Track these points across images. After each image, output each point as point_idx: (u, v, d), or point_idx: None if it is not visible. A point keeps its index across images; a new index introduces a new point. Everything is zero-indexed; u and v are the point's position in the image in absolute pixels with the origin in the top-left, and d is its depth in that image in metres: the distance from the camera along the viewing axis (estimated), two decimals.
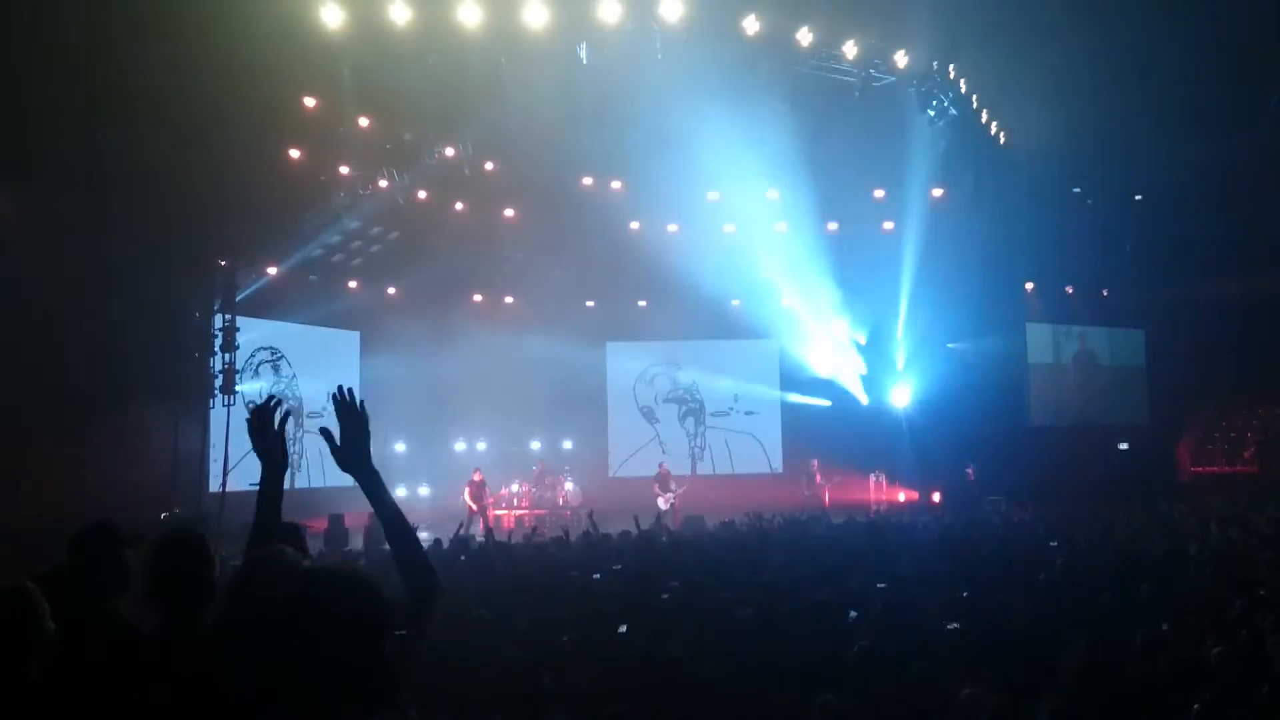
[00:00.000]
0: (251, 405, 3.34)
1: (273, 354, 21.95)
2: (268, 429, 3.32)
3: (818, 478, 23.16)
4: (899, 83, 18.81)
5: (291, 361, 22.31)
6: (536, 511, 21.77)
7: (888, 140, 20.40)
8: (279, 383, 21.88)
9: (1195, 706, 4.79)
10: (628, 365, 27.07)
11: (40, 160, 14.81)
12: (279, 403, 3.44)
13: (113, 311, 15.78)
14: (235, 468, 18.21)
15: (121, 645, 3.15)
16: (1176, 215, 24.73)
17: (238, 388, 18.52)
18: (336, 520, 16.89)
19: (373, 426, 2.92)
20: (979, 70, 19.93)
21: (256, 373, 21.36)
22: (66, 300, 15.16)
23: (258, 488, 3.37)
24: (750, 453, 26.91)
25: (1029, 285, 26.55)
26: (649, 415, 27.23)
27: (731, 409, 27.16)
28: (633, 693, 5.32)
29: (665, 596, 8.07)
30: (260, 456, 3.33)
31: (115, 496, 14.60)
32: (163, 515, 15.96)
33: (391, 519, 2.85)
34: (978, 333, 24.34)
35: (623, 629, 6.83)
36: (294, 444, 19.14)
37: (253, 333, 20.40)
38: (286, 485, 3.39)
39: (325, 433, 2.96)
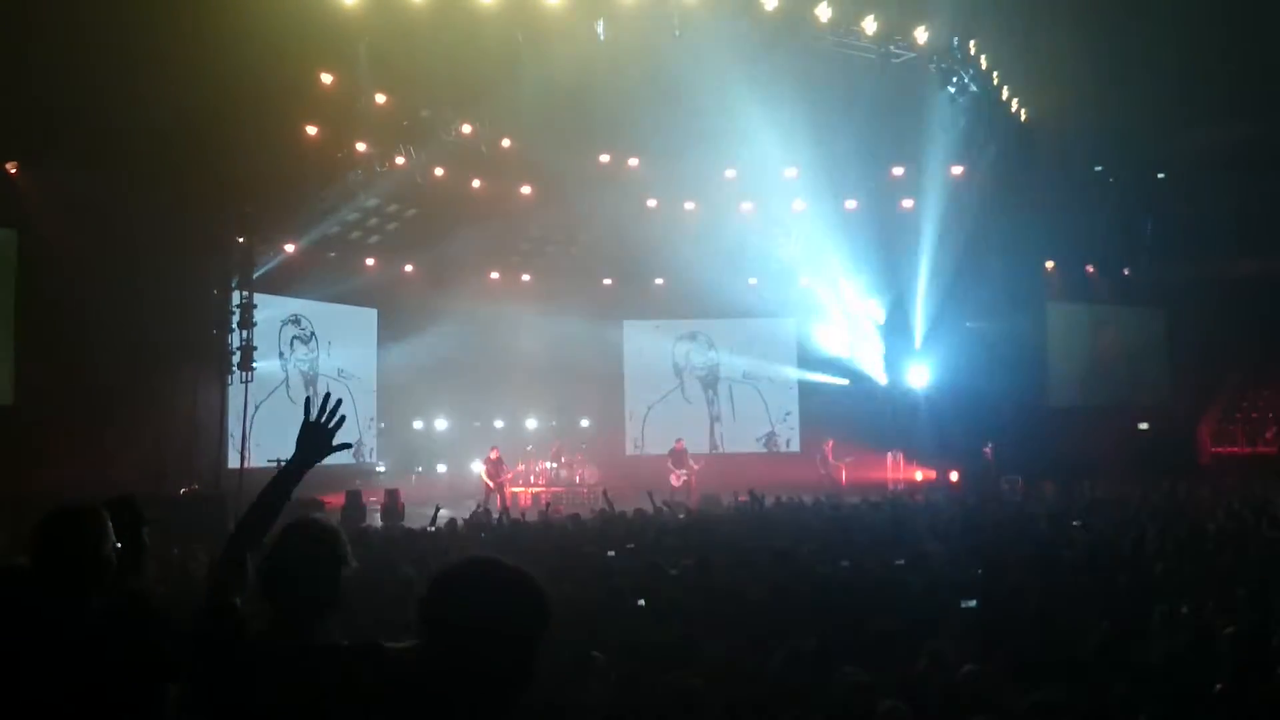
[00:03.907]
0: (310, 398, 2.98)
1: (299, 324, 22.08)
2: (323, 429, 3.05)
3: (830, 458, 23.15)
4: (918, 59, 18.62)
5: (317, 333, 22.48)
6: (553, 489, 21.85)
7: (907, 117, 20.21)
8: (308, 355, 22.07)
9: (1216, 687, 4.76)
10: (650, 342, 27.04)
11: (60, 139, 14.87)
12: (339, 402, 3.14)
13: (131, 289, 15.84)
14: (254, 443, 18.39)
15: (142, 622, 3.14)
16: (1198, 194, 24.50)
17: (255, 364, 18.55)
18: (354, 496, 16.99)
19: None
20: (999, 47, 19.73)
21: (291, 345, 21.55)
22: (86, 278, 15.26)
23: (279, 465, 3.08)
24: (763, 418, 26.92)
25: (1049, 264, 26.33)
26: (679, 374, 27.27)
27: (745, 376, 27.15)
28: (648, 669, 5.31)
29: (673, 573, 8.05)
30: (307, 452, 3.02)
31: (134, 472, 14.72)
32: (182, 491, 16.09)
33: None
34: (997, 312, 24.17)
35: (640, 603, 6.84)
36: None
37: (274, 309, 20.50)
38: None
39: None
